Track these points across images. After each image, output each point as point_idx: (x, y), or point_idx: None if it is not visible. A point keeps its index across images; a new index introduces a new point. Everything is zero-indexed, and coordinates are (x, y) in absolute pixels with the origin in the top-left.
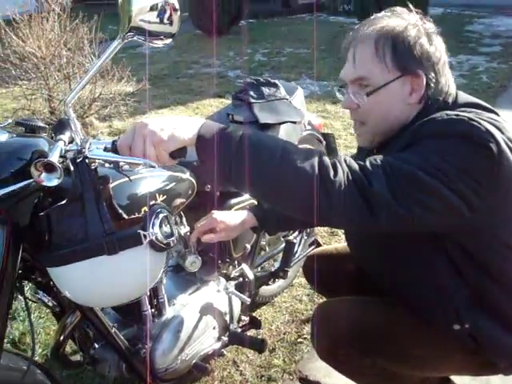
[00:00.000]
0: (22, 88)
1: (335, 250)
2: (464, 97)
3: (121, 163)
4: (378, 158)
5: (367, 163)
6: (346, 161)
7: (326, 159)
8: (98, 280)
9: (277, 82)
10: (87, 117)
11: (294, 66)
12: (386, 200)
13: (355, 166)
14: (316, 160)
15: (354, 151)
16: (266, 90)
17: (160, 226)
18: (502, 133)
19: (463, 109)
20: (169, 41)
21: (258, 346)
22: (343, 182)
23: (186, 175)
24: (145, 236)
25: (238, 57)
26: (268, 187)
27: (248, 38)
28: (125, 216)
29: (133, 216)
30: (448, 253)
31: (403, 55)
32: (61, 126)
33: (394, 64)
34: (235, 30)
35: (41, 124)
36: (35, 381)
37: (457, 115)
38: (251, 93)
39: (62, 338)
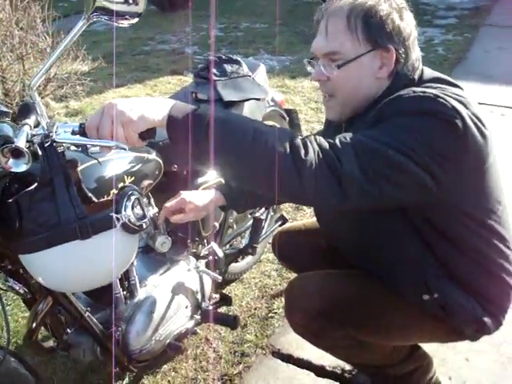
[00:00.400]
0: None
1: (303, 226)
2: (429, 72)
3: (88, 146)
4: (348, 135)
5: (337, 141)
6: (316, 140)
7: (297, 139)
8: (72, 265)
9: (239, 58)
10: (43, 98)
11: (251, 41)
12: (356, 178)
13: (325, 144)
14: (287, 140)
15: (315, 126)
16: (228, 68)
17: (132, 208)
18: (467, 108)
19: (429, 84)
20: (135, 20)
21: (231, 322)
22: (314, 161)
23: (153, 156)
24: (118, 219)
25: (195, 32)
26: (240, 167)
27: (202, 13)
28: (94, 199)
29: (102, 199)
30: (416, 226)
31: (375, 29)
32: (25, 109)
33: (365, 37)
34: (191, 5)
35: (3, 108)
36: (9, 369)
37: (423, 92)
38: (214, 70)
39: (34, 324)
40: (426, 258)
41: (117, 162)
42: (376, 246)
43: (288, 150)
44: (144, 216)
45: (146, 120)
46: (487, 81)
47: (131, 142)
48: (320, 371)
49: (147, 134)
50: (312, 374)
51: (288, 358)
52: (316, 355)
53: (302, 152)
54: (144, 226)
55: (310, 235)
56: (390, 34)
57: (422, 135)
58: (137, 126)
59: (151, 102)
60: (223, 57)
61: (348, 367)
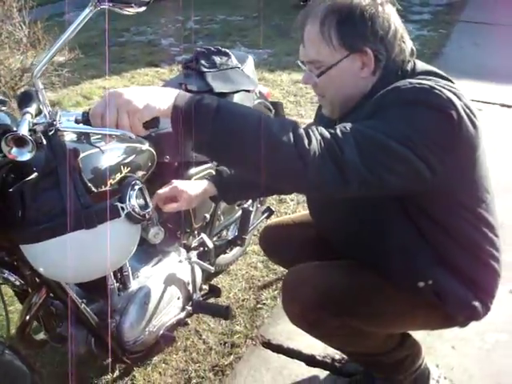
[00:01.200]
0: None
1: (291, 220)
2: (421, 64)
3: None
4: (348, 125)
5: (337, 131)
6: (317, 129)
7: (300, 128)
8: (76, 255)
9: (227, 50)
10: (18, 88)
11: (227, 33)
12: (357, 166)
13: (327, 134)
14: (290, 129)
15: (295, 119)
16: (217, 59)
17: (135, 198)
18: (460, 99)
19: (423, 77)
20: (142, 9)
21: (224, 312)
22: (317, 150)
23: (146, 146)
24: (122, 208)
25: (170, 24)
26: (244, 156)
27: (177, 4)
28: (94, 189)
29: (101, 189)
30: (411, 215)
31: (348, 35)
32: (26, 98)
33: (340, 44)
34: None
35: (0, 97)
36: (5, 362)
37: (419, 84)
38: (202, 62)
39: (27, 317)
40: (420, 246)
41: (112, 153)
42: (372, 235)
43: (292, 139)
44: (147, 206)
45: (151, 109)
46: (464, 76)
47: (136, 131)
48: (310, 361)
49: (151, 123)
50: (302, 364)
51: (278, 349)
52: (306, 345)
53: (306, 141)
54: (147, 216)
55: (298, 228)
56: (365, 36)
57: (419, 125)
58: (142, 115)
59: (156, 90)
60: (212, 48)
61: (338, 356)
